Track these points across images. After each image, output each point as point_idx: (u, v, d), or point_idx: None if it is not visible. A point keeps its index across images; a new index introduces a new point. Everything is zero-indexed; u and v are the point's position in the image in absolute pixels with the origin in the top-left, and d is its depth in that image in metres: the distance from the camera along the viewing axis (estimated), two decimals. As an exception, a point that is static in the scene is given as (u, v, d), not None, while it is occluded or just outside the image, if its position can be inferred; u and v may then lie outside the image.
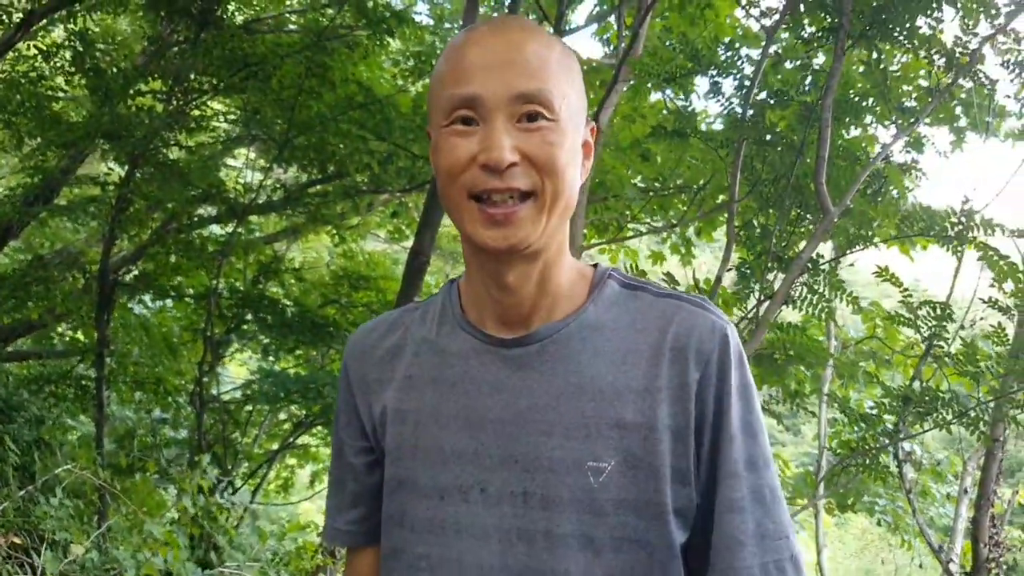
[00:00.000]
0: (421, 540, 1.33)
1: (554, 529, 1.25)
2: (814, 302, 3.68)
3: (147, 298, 8.16)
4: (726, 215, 6.87)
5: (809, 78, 3.75)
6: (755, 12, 3.87)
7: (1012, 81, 3.62)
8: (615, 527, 1.24)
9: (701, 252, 7.23)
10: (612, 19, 7.52)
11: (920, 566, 6.92)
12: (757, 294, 3.70)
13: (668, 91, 6.21)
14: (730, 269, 3.88)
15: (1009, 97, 4.14)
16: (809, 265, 3.52)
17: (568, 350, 1.30)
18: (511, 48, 1.23)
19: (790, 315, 3.96)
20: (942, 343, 3.77)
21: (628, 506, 1.24)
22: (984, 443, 3.92)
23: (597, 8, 7.66)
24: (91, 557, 3.97)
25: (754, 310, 3.74)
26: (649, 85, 4.57)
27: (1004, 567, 5.40)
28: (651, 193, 6.90)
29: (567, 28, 7.58)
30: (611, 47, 7.46)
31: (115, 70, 6.99)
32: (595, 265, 1.41)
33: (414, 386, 1.37)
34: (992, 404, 3.79)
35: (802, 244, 3.77)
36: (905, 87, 3.95)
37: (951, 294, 4.75)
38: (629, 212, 6.80)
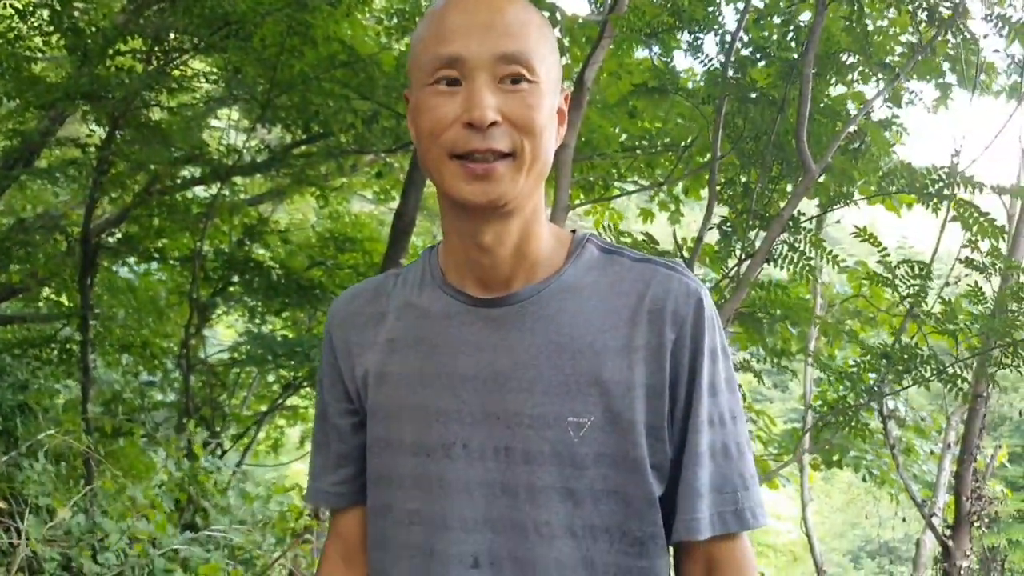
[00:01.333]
0: (408, 496, 1.37)
1: (535, 482, 1.31)
2: (795, 260, 3.68)
3: (132, 261, 8.10)
4: (704, 176, 6.87)
5: (791, 34, 3.72)
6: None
7: (1000, 36, 3.60)
8: (595, 479, 1.30)
9: (690, 210, 7.22)
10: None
11: (903, 520, 7.00)
12: (739, 253, 3.71)
13: (655, 48, 6.16)
14: (711, 228, 3.88)
15: (998, 52, 4.11)
16: (790, 223, 3.52)
17: (548, 310, 1.34)
18: (493, 11, 1.26)
19: (777, 273, 3.97)
20: (922, 302, 3.78)
21: (607, 459, 1.30)
22: (964, 400, 3.95)
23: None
24: (76, 521, 3.98)
25: (735, 268, 3.74)
26: (642, 38, 4.51)
27: (986, 519, 5.46)
28: (637, 151, 6.87)
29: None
30: (596, 4, 7.39)
31: (94, 29, 6.90)
32: (573, 231, 1.45)
33: (396, 348, 1.41)
34: (973, 361, 3.82)
35: (783, 202, 3.77)
36: (889, 43, 3.91)
37: (936, 251, 4.76)
38: (616, 171, 6.76)
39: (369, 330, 1.45)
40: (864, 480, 6.93)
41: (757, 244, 3.72)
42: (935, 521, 5.32)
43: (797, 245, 3.68)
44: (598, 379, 1.30)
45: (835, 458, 6.95)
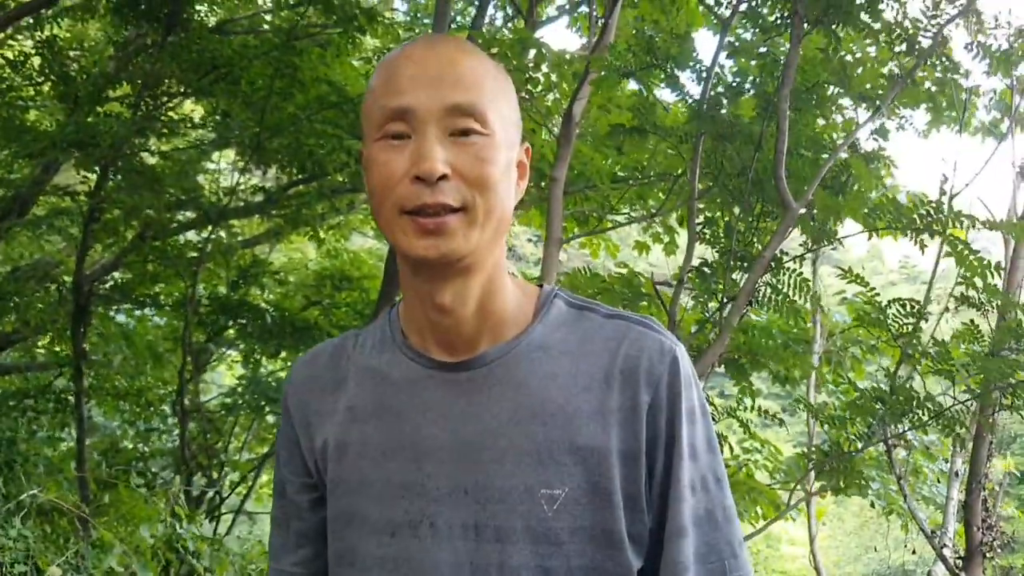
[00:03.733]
0: None
1: (508, 561, 1.22)
2: (779, 302, 3.61)
3: (127, 307, 8.08)
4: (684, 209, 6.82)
5: (766, 68, 3.67)
6: (710, 1, 3.78)
7: (977, 61, 3.55)
8: (571, 556, 1.22)
9: (684, 239, 7.18)
10: (584, 8, 7.45)
11: (914, 552, 6.89)
12: (720, 295, 3.63)
13: (635, 84, 6.16)
14: (691, 271, 3.81)
15: (978, 88, 4.06)
16: (772, 264, 3.45)
17: (516, 372, 1.26)
18: (444, 62, 1.22)
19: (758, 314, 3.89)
20: (915, 341, 3.70)
21: (583, 534, 1.22)
22: (956, 443, 3.86)
23: (567, 2, 7.60)
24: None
25: (716, 313, 3.66)
26: (616, 76, 4.48)
27: (998, 549, 5.36)
28: (629, 182, 6.83)
29: (540, 20, 7.51)
30: (584, 38, 7.39)
31: (84, 77, 6.91)
32: (540, 285, 1.37)
33: (356, 417, 1.32)
34: (972, 403, 3.74)
35: (767, 240, 3.70)
36: (863, 72, 3.85)
37: (931, 285, 4.69)
38: (609, 203, 6.72)
39: (328, 397, 1.36)
40: (872, 506, 6.84)
41: (740, 285, 3.65)
42: (947, 552, 5.21)
43: (780, 286, 3.60)
44: (573, 446, 1.22)
45: (842, 484, 6.87)
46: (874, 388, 3.91)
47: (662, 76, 4.25)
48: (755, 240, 3.74)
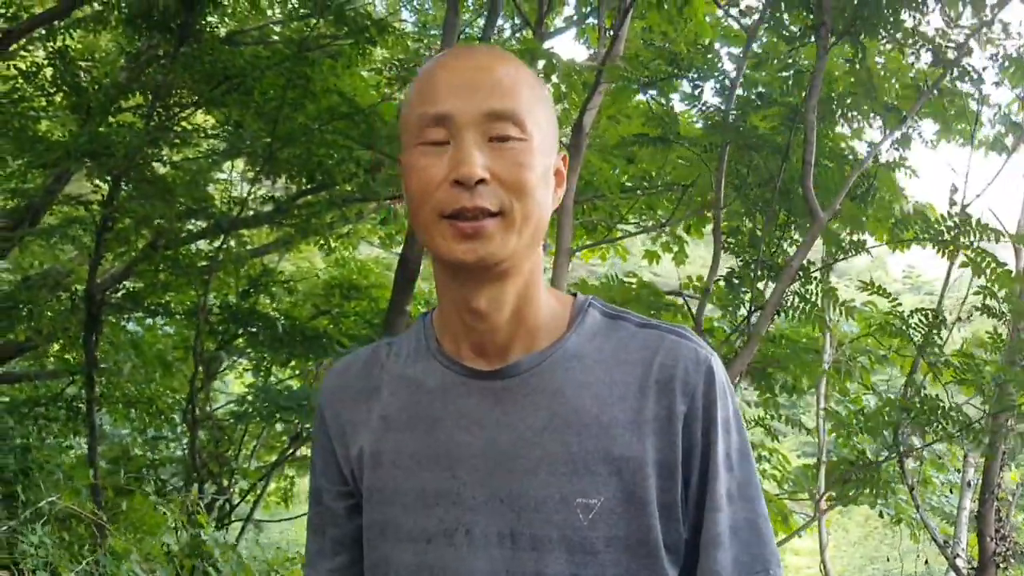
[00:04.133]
0: None
1: (544, 570, 1.23)
2: (806, 311, 3.62)
3: (139, 316, 8.10)
4: (705, 218, 6.86)
5: (792, 79, 3.68)
6: (734, 12, 3.80)
7: (996, 73, 3.57)
8: (607, 565, 1.22)
9: (693, 248, 7.20)
10: (592, 20, 7.49)
11: (925, 562, 6.87)
12: (747, 304, 3.64)
13: (651, 93, 6.18)
14: (719, 280, 3.82)
15: (989, 97, 4.08)
16: (800, 273, 3.46)
17: (551, 382, 1.27)
18: (482, 69, 1.23)
19: (780, 322, 3.89)
20: (936, 350, 3.70)
21: (619, 543, 1.22)
22: (984, 455, 3.85)
23: (575, 14, 7.64)
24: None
25: (744, 322, 3.67)
26: (633, 86, 4.50)
27: (1011, 560, 5.35)
28: (638, 192, 6.86)
29: (548, 31, 7.55)
30: (592, 49, 7.43)
31: (96, 87, 6.94)
32: (575, 294, 1.38)
33: (390, 426, 1.33)
34: (995, 412, 3.73)
35: (791, 250, 3.71)
36: (891, 83, 3.87)
37: (943, 297, 4.70)
38: (618, 212, 6.75)
39: (362, 406, 1.37)
40: (881, 516, 6.83)
41: (765, 294, 3.65)
42: (959, 562, 5.21)
43: (808, 295, 3.61)
44: (608, 456, 1.23)
45: (851, 493, 6.88)
46: (900, 399, 3.91)
47: (676, 86, 4.26)
48: (779, 250, 3.75)
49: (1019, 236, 3.69)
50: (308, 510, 1.50)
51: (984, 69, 3.54)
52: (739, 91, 3.74)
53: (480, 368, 1.30)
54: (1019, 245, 4.08)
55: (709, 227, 7.07)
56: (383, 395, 1.36)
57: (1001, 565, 5.24)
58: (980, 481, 5.49)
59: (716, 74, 3.83)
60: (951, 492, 6.21)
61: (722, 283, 3.80)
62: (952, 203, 4.25)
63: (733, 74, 3.82)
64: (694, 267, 7.18)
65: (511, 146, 1.20)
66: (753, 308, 3.63)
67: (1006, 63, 3.51)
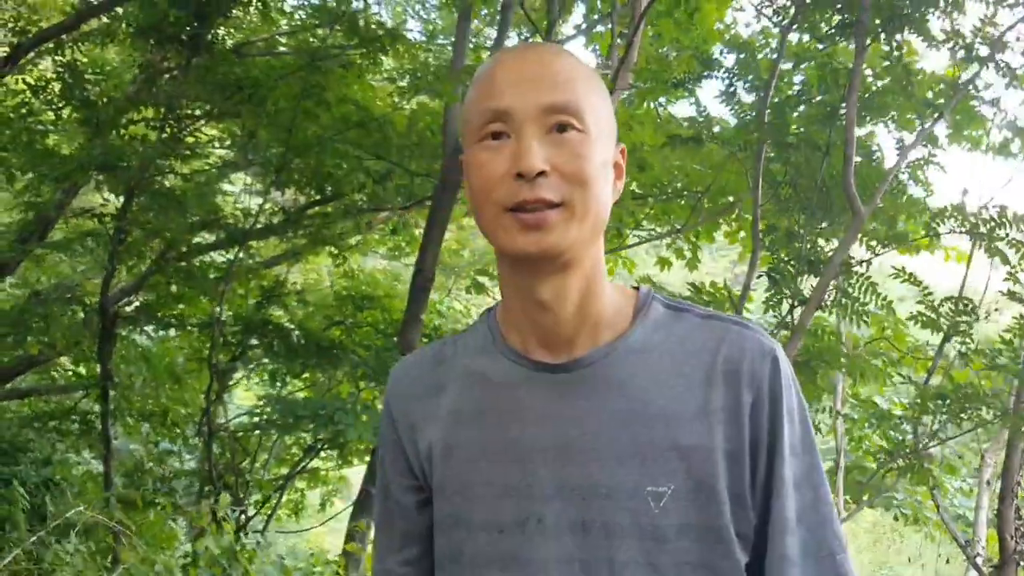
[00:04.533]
0: None
1: (616, 557, 1.24)
2: (849, 305, 3.64)
3: (150, 328, 8.10)
4: (729, 218, 6.89)
5: (828, 77, 3.70)
6: (767, 11, 3.83)
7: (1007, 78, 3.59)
8: (678, 552, 1.23)
9: (708, 256, 7.22)
10: (601, 28, 7.53)
11: (947, 561, 6.88)
12: (790, 300, 3.66)
13: (661, 99, 6.21)
14: (760, 276, 3.84)
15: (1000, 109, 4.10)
16: (841, 267, 3.49)
17: (617, 374, 1.28)
18: (540, 65, 1.25)
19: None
20: (968, 339, 3.72)
21: (690, 531, 1.24)
22: (1014, 437, 3.86)
23: (584, 22, 7.68)
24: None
25: (788, 316, 3.69)
26: (645, 87, 4.52)
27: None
28: (650, 199, 6.88)
29: (558, 39, 7.58)
30: (603, 57, 7.46)
31: (105, 100, 6.96)
32: (637, 287, 1.39)
33: (460, 420, 1.35)
34: (1016, 397, 3.75)
35: (826, 246, 3.74)
36: (924, 80, 3.90)
37: (963, 288, 4.72)
38: (633, 219, 6.77)
39: (431, 401, 1.38)
40: (896, 519, 6.84)
41: (805, 290, 3.68)
42: (978, 561, 5.21)
43: (850, 290, 3.64)
44: (676, 445, 1.24)
45: (866, 497, 6.88)
46: (939, 385, 3.93)
47: (693, 91, 4.27)
48: (816, 246, 3.77)
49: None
50: (375, 506, 1.52)
51: (1019, 67, 3.56)
52: (771, 92, 3.75)
53: (547, 361, 1.31)
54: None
55: (717, 232, 7.14)
56: (451, 390, 1.38)
57: (1021, 564, 5.23)
58: (1000, 481, 5.48)
59: (750, 75, 3.85)
60: (970, 495, 6.23)
61: (763, 278, 3.82)
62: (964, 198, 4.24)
63: (765, 75, 3.84)
64: (698, 274, 7.21)
65: (570, 138, 1.21)
66: (794, 303, 3.65)
67: None
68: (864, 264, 3.66)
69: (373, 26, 6.54)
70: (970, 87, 3.69)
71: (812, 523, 1.28)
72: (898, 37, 3.50)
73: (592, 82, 1.28)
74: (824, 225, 3.75)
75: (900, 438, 4.09)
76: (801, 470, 1.29)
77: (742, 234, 7.01)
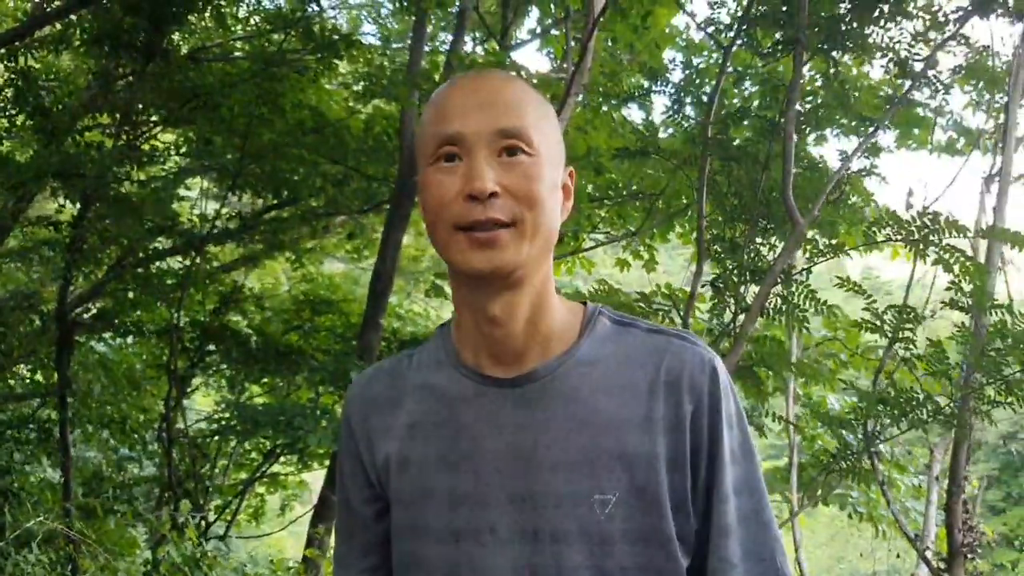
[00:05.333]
0: None
1: (565, 563, 1.29)
2: (789, 312, 3.73)
3: (108, 336, 8.02)
4: (682, 220, 6.99)
5: (768, 93, 3.80)
6: (710, 29, 3.92)
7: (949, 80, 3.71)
8: (623, 556, 1.29)
9: (667, 258, 7.31)
10: (555, 32, 7.59)
11: (898, 556, 7.02)
12: (732, 307, 3.74)
13: (621, 108, 6.28)
14: (704, 285, 3.92)
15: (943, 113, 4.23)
16: (782, 276, 3.57)
17: (567, 386, 1.34)
18: (492, 91, 1.30)
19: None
20: (910, 345, 3.82)
21: (634, 536, 1.29)
22: (960, 436, 3.99)
23: (538, 26, 7.74)
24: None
25: (731, 324, 3.78)
26: (612, 102, 4.60)
27: (978, 549, 5.48)
28: (606, 202, 6.95)
29: (512, 43, 7.64)
30: (557, 61, 7.52)
31: (59, 107, 6.90)
32: (584, 303, 1.44)
33: (416, 434, 1.40)
34: (965, 400, 3.85)
35: (770, 256, 3.84)
36: (861, 94, 4.01)
37: (908, 295, 4.85)
38: (589, 223, 6.84)
39: (388, 414, 1.43)
40: (850, 517, 6.97)
41: (747, 299, 3.77)
42: (928, 555, 5.34)
43: (790, 298, 3.73)
44: (622, 453, 1.29)
45: (819, 493, 7.00)
46: (878, 390, 4.04)
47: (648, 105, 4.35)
48: (759, 256, 3.86)
49: (985, 231, 3.83)
50: (336, 516, 1.58)
51: (948, 81, 3.68)
52: (715, 105, 3.84)
53: (499, 376, 1.36)
54: (984, 240, 4.24)
55: (674, 232, 7.23)
56: (407, 404, 1.42)
57: (969, 556, 5.36)
58: (948, 477, 5.61)
59: (693, 89, 3.93)
60: (912, 494, 6.37)
61: (708, 288, 3.90)
62: (909, 206, 4.39)
63: (709, 90, 3.93)
64: (655, 274, 7.30)
65: (520, 160, 1.26)
66: (738, 310, 3.74)
67: (964, 72, 3.66)
68: (804, 272, 3.76)
69: (328, 31, 6.53)
70: (907, 100, 3.80)
71: (752, 527, 1.33)
72: (835, 54, 3.60)
73: (542, 108, 1.33)
74: (764, 238, 3.84)
75: (848, 438, 4.20)
76: (741, 476, 1.34)
77: (695, 235, 7.12)
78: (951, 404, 3.72)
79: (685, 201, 6.26)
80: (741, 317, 3.67)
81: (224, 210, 7.87)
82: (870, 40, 3.48)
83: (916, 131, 5.11)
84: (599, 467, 1.29)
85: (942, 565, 5.38)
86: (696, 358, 1.33)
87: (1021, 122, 5.18)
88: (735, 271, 3.83)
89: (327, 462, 7.68)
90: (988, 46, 4.06)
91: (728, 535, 1.31)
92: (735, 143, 3.85)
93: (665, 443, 1.29)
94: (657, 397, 1.31)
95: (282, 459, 8.55)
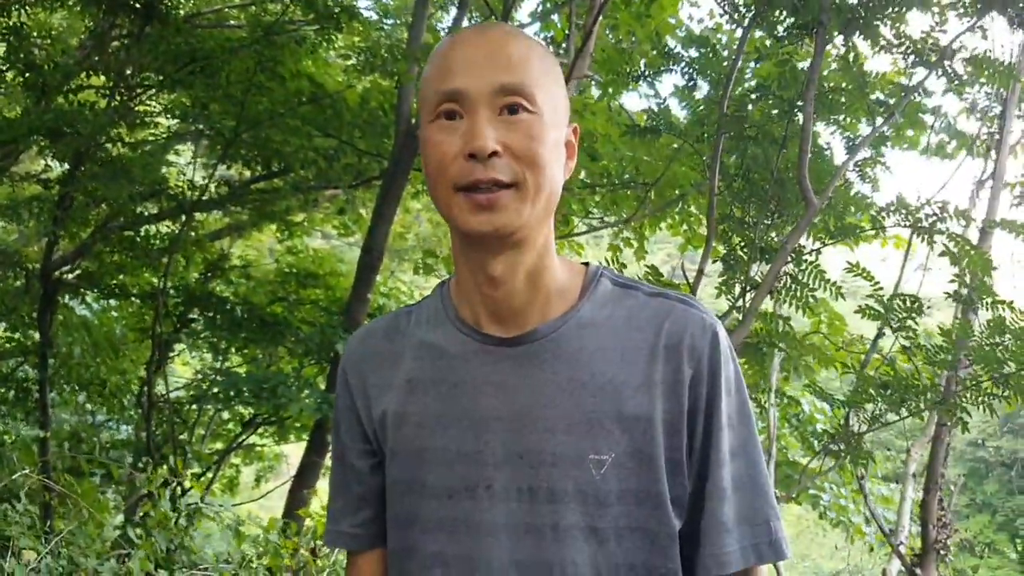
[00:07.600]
0: (433, 539, 1.36)
1: (560, 522, 1.30)
2: (797, 292, 3.77)
3: (90, 298, 7.97)
4: (674, 211, 7.02)
5: (785, 74, 3.82)
6: (726, 10, 3.94)
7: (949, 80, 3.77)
8: (618, 516, 1.30)
9: (659, 245, 7.34)
10: (556, 17, 7.58)
11: (871, 550, 7.11)
12: (742, 284, 3.78)
13: (611, 90, 6.29)
14: (715, 261, 3.95)
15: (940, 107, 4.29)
16: (792, 255, 3.61)
17: (567, 347, 1.34)
18: (493, 46, 1.28)
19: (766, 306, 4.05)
20: (912, 334, 3.86)
21: (629, 496, 1.30)
22: (958, 427, 4.04)
23: (541, 6, 7.72)
24: (47, 563, 3.89)
25: (740, 300, 3.81)
26: (604, 79, 4.60)
27: (952, 548, 5.54)
28: (598, 188, 6.96)
29: (513, 25, 7.62)
30: (558, 45, 7.52)
31: (52, 65, 6.83)
32: (586, 264, 1.44)
33: (414, 390, 1.40)
34: (967, 391, 3.89)
35: (776, 237, 3.87)
36: (877, 80, 4.05)
37: (899, 283, 4.90)
38: (583, 208, 6.85)
39: (386, 370, 1.43)
40: (821, 517, 7.03)
41: (757, 278, 3.80)
42: (901, 550, 5.39)
43: (800, 277, 3.77)
44: (620, 415, 1.29)
45: (795, 494, 7.07)
46: (880, 374, 4.09)
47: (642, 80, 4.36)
48: (768, 236, 3.90)
49: (993, 223, 3.88)
50: (331, 469, 1.57)
51: (963, 72, 3.72)
52: (731, 83, 3.86)
53: (498, 334, 1.35)
54: (989, 230, 4.31)
55: (662, 223, 7.25)
56: (405, 360, 1.42)
57: (942, 552, 5.41)
58: (925, 473, 5.67)
59: (710, 68, 3.95)
60: (881, 505, 6.43)
61: (716, 264, 3.93)
62: (917, 197, 4.39)
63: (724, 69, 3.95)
64: (639, 268, 7.32)
65: (522, 119, 1.24)
66: (746, 288, 3.78)
67: (977, 62, 3.70)
68: (814, 252, 3.80)
69: (329, 3, 6.50)
70: (919, 90, 3.84)
71: (747, 491, 1.34)
72: (851, 40, 3.63)
73: (546, 63, 1.30)
74: (774, 218, 3.87)
75: (842, 421, 4.25)
76: (737, 441, 1.34)
77: (684, 227, 7.15)
78: (956, 395, 3.77)
79: (679, 192, 6.28)
80: (750, 295, 3.70)
81: (214, 177, 7.82)
82: (890, 27, 3.51)
83: (911, 132, 5.16)
84: (597, 428, 1.30)
85: (915, 561, 5.43)
86: (697, 322, 1.33)
87: (1014, 129, 5.27)
88: (744, 248, 3.86)
89: (305, 436, 7.67)
90: (989, 50, 4.12)
91: (723, 499, 1.32)
92: (751, 122, 3.86)
93: (663, 406, 1.30)
94: (657, 360, 1.31)
95: (260, 431, 8.55)
